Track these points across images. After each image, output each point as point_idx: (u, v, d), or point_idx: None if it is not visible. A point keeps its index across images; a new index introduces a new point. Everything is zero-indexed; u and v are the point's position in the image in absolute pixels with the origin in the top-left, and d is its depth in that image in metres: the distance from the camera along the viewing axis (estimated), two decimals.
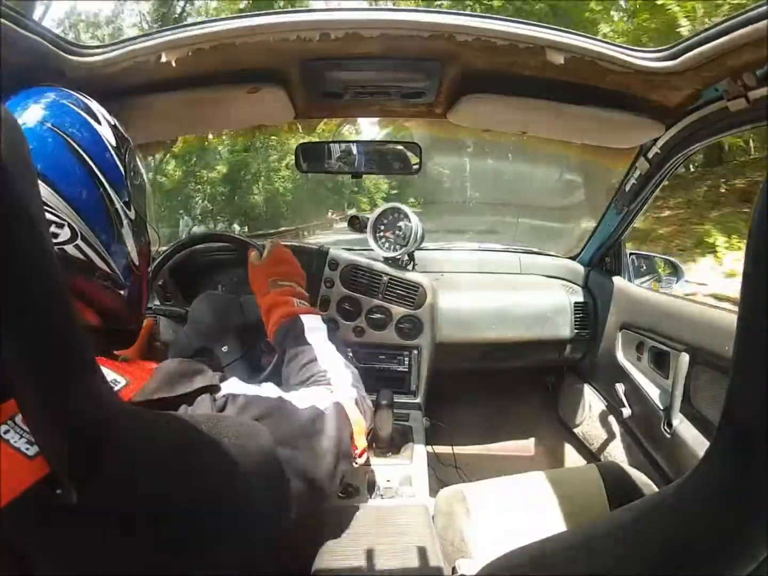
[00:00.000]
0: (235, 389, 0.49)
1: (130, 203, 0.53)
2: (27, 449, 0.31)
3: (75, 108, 0.50)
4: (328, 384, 0.60)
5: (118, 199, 0.51)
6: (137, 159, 0.56)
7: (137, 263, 0.55)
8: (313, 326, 0.68)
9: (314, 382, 0.60)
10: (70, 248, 0.47)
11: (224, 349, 0.94)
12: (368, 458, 1.06)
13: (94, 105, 0.54)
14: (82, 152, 0.48)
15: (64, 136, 0.47)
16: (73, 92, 0.53)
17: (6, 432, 0.32)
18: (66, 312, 0.30)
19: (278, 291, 0.74)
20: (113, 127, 0.54)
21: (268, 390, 0.53)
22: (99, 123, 0.52)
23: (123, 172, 0.52)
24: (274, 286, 0.75)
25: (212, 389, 0.46)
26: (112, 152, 0.51)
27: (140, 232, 0.55)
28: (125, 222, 0.52)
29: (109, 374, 0.40)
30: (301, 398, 0.53)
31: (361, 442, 0.59)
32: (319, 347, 0.65)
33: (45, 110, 0.48)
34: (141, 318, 0.60)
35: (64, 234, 0.46)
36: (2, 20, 0.58)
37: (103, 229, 0.49)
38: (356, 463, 0.59)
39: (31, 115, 0.47)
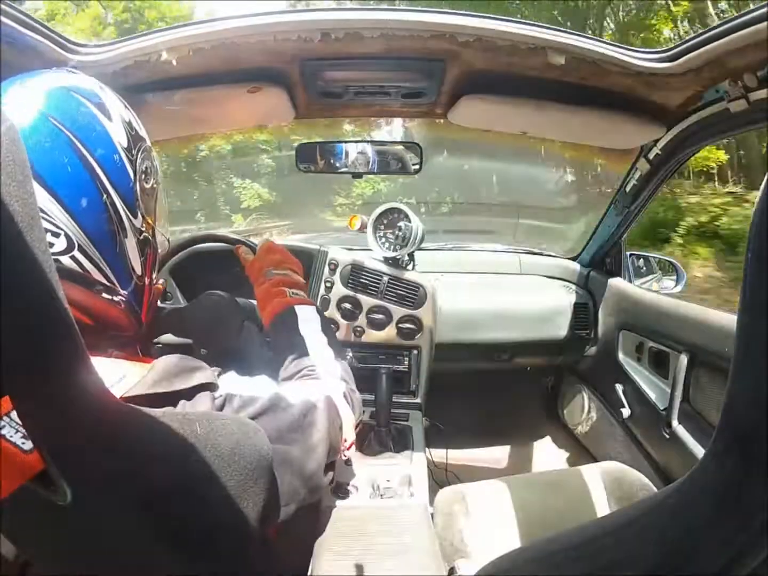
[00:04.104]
0: (231, 388, 0.48)
1: (137, 210, 0.49)
2: (23, 443, 0.31)
3: (84, 101, 0.45)
4: (317, 378, 0.61)
5: (124, 207, 0.47)
6: (152, 158, 0.52)
7: (140, 273, 0.51)
8: (306, 318, 0.69)
9: (304, 375, 0.62)
10: (65, 259, 0.43)
11: (203, 351, 0.93)
12: (367, 457, 1.06)
13: (109, 97, 0.49)
14: (86, 154, 0.44)
15: (68, 134, 0.43)
16: (85, 79, 0.48)
17: (2, 428, 0.32)
18: (57, 308, 0.29)
19: (272, 281, 0.73)
20: (127, 124, 0.49)
21: (263, 386, 0.53)
22: (110, 120, 0.47)
23: (132, 176, 0.48)
24: (269, 275, 0.74)
25: (211, 387, 0.46)
26: (122, 154, 0.47)
27: (146, 240, 0.51)
28: (129, 231, 0.48)
29: (105, 368, 0.39)
30: (294, 391, 0.54)
31: (350, 434, 0.61)
32: (311, 340, 0.66)
33: (48, 100, 0.43)
34: (142, 325, 0.57)
35: (60, 244, 0.43)
36: (3, 18, 0.58)
37: (103, 240, 0.45)
38: (344, 455, 0.60)
39: (31, 104, 0.42)
